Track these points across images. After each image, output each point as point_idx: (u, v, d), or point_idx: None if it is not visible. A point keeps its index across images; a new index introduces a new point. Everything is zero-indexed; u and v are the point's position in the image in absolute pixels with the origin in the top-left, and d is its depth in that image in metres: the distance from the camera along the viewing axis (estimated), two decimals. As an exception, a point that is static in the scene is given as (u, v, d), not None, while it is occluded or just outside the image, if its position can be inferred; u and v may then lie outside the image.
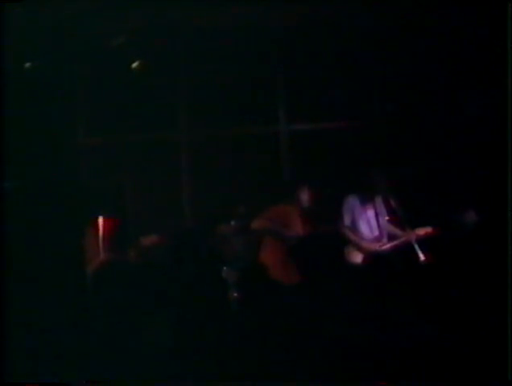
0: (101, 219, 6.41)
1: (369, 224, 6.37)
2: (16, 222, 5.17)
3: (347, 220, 6.37)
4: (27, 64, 6.83)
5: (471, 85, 6.89)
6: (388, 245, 6.23)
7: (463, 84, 6.98)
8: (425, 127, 7.24)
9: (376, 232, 6.36)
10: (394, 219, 6.27)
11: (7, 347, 3.97)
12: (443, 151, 7.14)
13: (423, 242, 5.90)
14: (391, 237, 6.30)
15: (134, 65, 7.29)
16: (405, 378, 3.60)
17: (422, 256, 5.83)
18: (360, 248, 6.25)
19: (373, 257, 6.18)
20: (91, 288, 5.38)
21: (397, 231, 6.28)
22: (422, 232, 5.99)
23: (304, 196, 6.77)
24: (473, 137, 6.88)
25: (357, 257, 6.27)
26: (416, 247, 5.87)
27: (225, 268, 6.08)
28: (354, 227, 6.35)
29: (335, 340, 4.27)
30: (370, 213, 6.36)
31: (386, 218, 6.34)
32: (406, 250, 5.96)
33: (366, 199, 6.38)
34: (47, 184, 6.75)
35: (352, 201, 6.42)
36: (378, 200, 6.38)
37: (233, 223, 6.66)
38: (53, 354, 3.75)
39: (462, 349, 3.71)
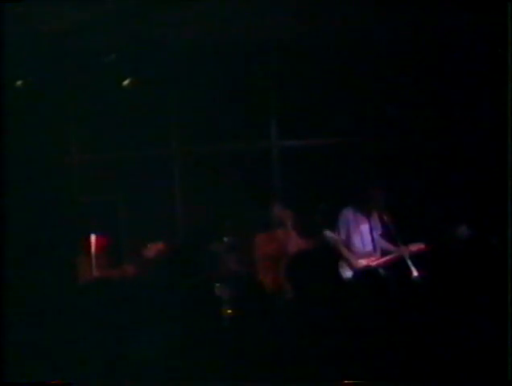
0: (93, 237, 6.41)
1: (362, 239, 6.36)
2: (8, 239, 5.14)
3: (342, 234, 6.36)
4: (19, 82, 6.82)
5: (470, 89, 6.87)
6: (380, 261, 6.22)
7: (461, 89, 6.97)
8: (419, 141, 7.25)
9: (369, 247, 6.36)
10: (388, 235, 6.27)
11: (7, 347, 3.98)
12: (437, 165, 7.14)
13: (417, 258, 5.90)
14: (384, 252, 6.30)
15: (126, 82, 7.30)
16: (404, 379, 3.59)
17: (415, 272, 5.83)
18: (352, 263, 6.24)
19: (365, 273, 6.17)
20: (83, 304, 5.36)
21: (390, 246, 6.28)
22: (415, 247, 6.00)
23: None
24: (469, 149, 6.88)
25: (349, 272, 6.26)
26: (409, 263, 5.87)
27: (218, 284, 6.05)
28: (348, 240, 6.35)
29: (329, 356, 4.25)
30: (364, 227, 6.36)
31: (379, 233, 6.34)
32: (399, 266, 5.96)
33: (361, 214, 6.39)
34: (40, 201, 6.72)
35: (347, 214, 6.41)
36: (372, 215, 6.38)
37: (225, 239, 6.66)
38: (52, 354, 3.75)
39: (461, 349, 3.70)
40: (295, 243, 6.33)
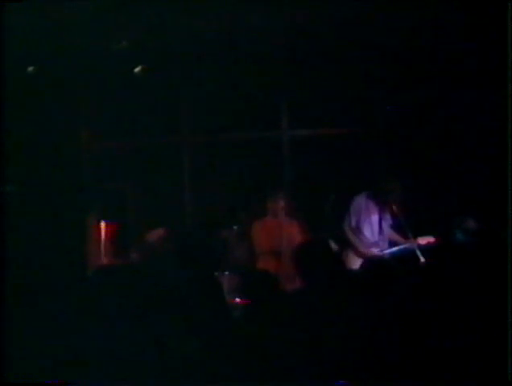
0: (103, 223, 6.44)
1: (371, 228, 6.35)
2: (18, 226, 5.16)
3: (352, 221, 6.35)
4: (29, 68, 6.83)
5: (471, 87, 6.88)
6: (388, 251, 6.21)
7: (463, 87, 6.97)
8: (426, 133, 7.24)
9: (377, 237, 6.35)
10: (398, 226, 6.26)
11: (7, 348, 3.98)
12: (444, 157, 7.13)
13: (425, 249, 5.88)
14: (393, 244, 6.29)
15: (137, 70, 7.29)
16: (405, 378, 3.58)
17: (422, 258, 5.79)
18: (359, 252, 6.23)
19: (372, 262, 6.15)
20: (91, 291, 5.38)
21: (399, 238, 6.27)
22: (424, 241, 5.97)
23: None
24: (473, 141, 6.88)
25: (356, 262, 6.25)
26: (418, 252, 5.85)
27: (226, 273, 6.07)
28: (358, 229, 6.34)
29: (337, 345, 4.25)
30: (374, 217, 6.35)
31: (389, 224, 6.33)
32: (407, 255, 5.95)
33: (372, 203, 6.37)
34: (49, 188, 6.75)
35: (359, 202, 6.40)
36: (384, 206, 6.34)
37: (235, 228, 6.66)
38: (53, 355, 3.75)
39: (462, 349, 3.70)
40: (289, 232, 6.34)
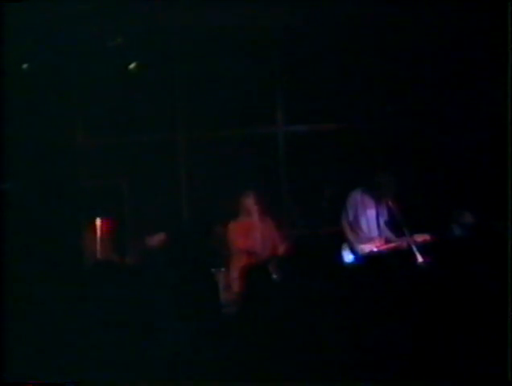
0: (98, 221, 6.44)
1: (368, 224, 6.34)
2: (14, 223, 5.16)
3: (350, 216, 6.35)
4: (25, 65, 6.82)
5: (471, 86, 6.90)
6: (384, 247, 6.20)
7: (463, 85, 7.00)
8: (424, 129, 7.25)
9: (374, 233, 6.35)
10: (393, 223, 6.25)
11: (7, 347, 3.98)
12: (442, 154, 7.15)
13: (422, 246, 5.88)
14: (389, 240, 6.28)
15: (132, 66, 7.29)
16: (404, 378, 3.59)
17: (420, 258, 5.81)
18: (355, 248, 6.23)
19: (368, 258, 6.16)
20: (88, 288, 5.38)
21: (395, 235, 6.26)
22: (420, 238, 5.96)
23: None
24: (472, 138, 6.90)
25: (352, 256, 6.25)
26: (414, 249, 5.85)
27: (222, 269, 6.08)
28: (354, 224, 6.34)
29: (333, 342, 4.26)
30: (371, 213, 6.34)
31: (386, 220, 6.32)
32: (403, 252, 5.94)
33: (369, 199, 6.36)
34: (45, 185, 6.74)
35: (355, 197, 6.39)
36: (380, 201, 6.34)
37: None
38: (53, 354, 3.75)
39: (461, 349, 3.71)
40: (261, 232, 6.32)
